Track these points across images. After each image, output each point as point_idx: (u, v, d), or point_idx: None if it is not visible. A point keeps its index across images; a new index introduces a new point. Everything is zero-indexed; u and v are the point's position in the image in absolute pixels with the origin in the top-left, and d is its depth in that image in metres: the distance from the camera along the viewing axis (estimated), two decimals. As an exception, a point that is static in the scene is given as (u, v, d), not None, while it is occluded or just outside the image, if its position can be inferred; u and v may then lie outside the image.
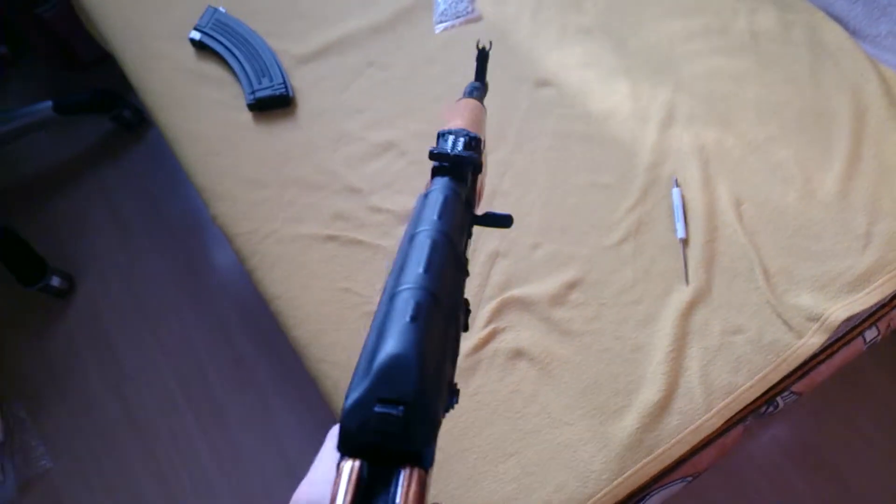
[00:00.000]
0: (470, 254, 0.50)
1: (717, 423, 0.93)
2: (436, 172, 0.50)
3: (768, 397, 0.98)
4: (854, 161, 1.11)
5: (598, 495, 0.89)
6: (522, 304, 1.03)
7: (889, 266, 1.01)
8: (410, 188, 1.14)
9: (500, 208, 0.55)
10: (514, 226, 0.52)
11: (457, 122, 0.57)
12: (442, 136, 0.52)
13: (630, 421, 0.92)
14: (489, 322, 1.02)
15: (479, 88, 0.69)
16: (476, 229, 0.51)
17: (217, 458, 1.57)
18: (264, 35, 1.29)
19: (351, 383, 0.31)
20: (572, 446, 0.92)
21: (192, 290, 1.78)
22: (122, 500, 1.55)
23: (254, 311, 1.69)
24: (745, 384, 0.94)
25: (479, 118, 0.60)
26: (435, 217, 0.43)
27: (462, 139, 0.51)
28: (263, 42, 1.28)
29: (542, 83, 1.24)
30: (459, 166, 0.49)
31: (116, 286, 1.79)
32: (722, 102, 1.19)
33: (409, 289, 0.35)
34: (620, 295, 1.03)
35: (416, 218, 0.44)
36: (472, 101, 0.63)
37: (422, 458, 0.29)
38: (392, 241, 1.09)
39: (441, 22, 1.31)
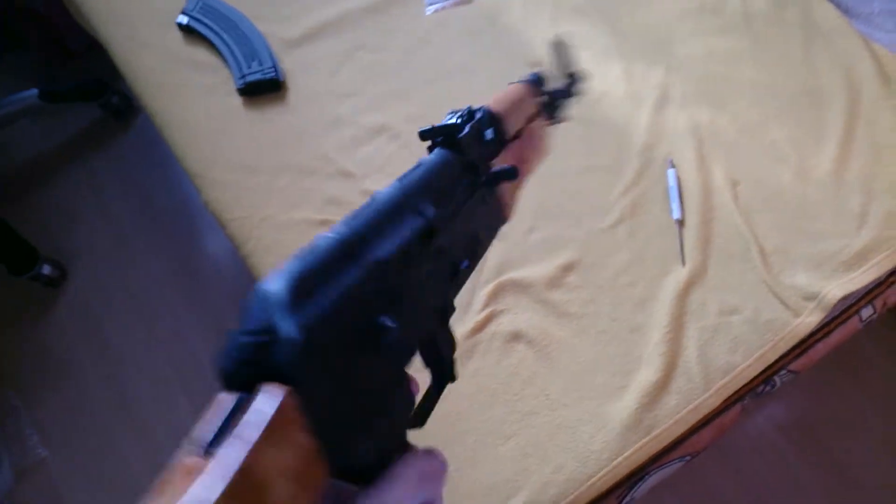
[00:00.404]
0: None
1: (716, 402, 0.93)
2: (431, 148, 0.49)
3: (766, 376, 0.98)
4: (848, 140, 1.11)
5: (598, 475, 0.89)
6: (519, 286, 1.03)
7: (885, 244, 1.01)
8: (403, 172, 1.13)
9: None
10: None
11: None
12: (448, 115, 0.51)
13: (628, 401, 0.92)
14: (486, 305, 1.01)
15: (538, 77, 0.67)
16: None
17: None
18: (253, 18, 1.28)
19: None
20: (571, 427, 0.92)
21: (185, 277, 1.77)
22: (117, 488, 1.55)
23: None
24: (743, 363, 0.94)
25: (510, 98, 0.58)
26: (397, 182, 0.42)
27: (459, 113, 0.50)
28: (252, 25, 1.26)
29: (536, 65, 1.22)
30: (448, 136, 0.48)
31: (108, 274, 1.78)
32: (716, 83, 1.19)
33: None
34: (617, 277, 1.03)
35: None
36: (515, 85, 0.61)
37: (286, 378, 0.28)
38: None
39: (432, 4, 1.30)
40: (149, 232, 1.83)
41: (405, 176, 0.43)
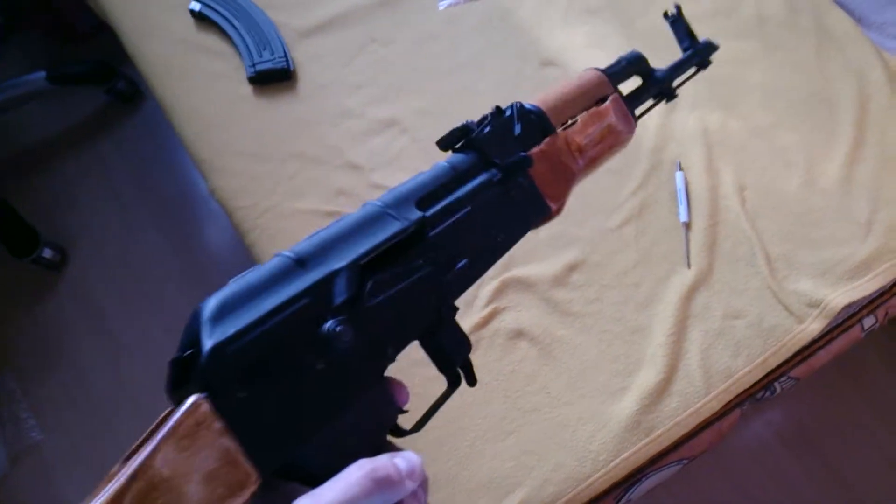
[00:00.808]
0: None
1: (716, 406, 0.93)
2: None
3: (766, 382, 0.98)
4: (857, 148, 1.11)
5: (597, 475, 0.89)
6: (523, 284, 1.03)
7: (890, 254, 1.01)
8: (412, 166, 1.13)
9: None
10: None
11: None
12: None
13: (629, 402, 0.92)
14: (490, 301, 1.01)
15: (628, 62, 0.66)
16: None
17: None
18: (265, 7, 1.27)
19: None
20: (571, 426, 0.92)
21: (187, 263, 1.77)
22: (112, 474, 1.55)
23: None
24: (745, 368, 0.94)
25: (569, 92, 0.57)
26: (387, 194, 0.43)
27: (489, 114, 0.50)
28: (264, 14, 1.26)
29: (547, 63, 1.23)
30: (469, 141, 0.49)
31: (110, 258, 1.78)
32: (727, 86, 1.19)
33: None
34: (621, 277, 1.02)
35: None
36: (586, 73, 0.60)
37: (202, 386, 0.30)
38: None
39: (445, -2, 1.30)
40: (152, 218, 1.83)
41: (393, 188, 0.44)
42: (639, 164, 1.11)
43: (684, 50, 0.74)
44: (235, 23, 1.23)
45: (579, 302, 1.01)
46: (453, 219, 0.44)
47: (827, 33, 1.23)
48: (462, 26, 1.27)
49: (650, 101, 0.68)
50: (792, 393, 1.09)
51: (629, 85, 0.67)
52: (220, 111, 1.19)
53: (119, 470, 0.28)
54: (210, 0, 1.26)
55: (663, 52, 1.22)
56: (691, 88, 1.17)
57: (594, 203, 1.09)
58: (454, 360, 0.45)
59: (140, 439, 0.29)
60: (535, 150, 0.51)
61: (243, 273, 0.35)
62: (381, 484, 0.32)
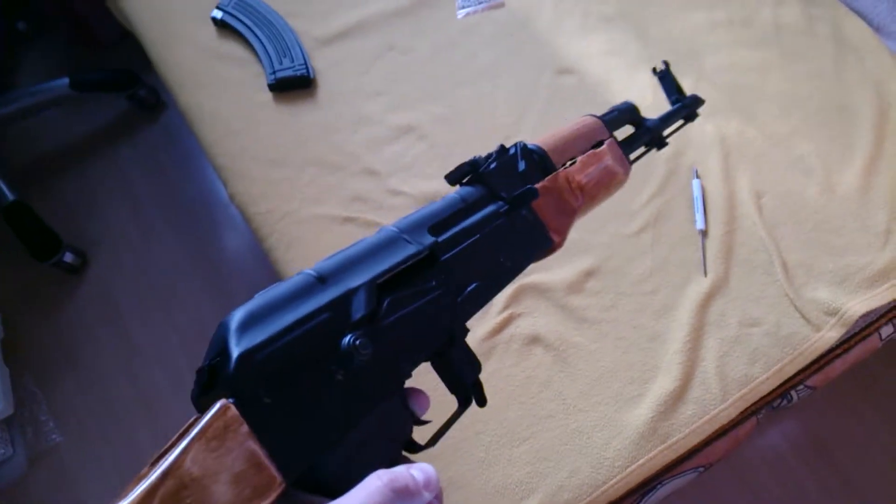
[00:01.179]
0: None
1: (732, 413, 0.93)
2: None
3: (783, 390, 0.98)
4: (875, 157, 1.11)
5: (612, 482, 0.89)
6: (539, 290, 1.03)
7: (909, 263, 1.01)
8: (429, 172, 1.14)
9: None
10: None
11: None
12: None
13: (645, 409, 0.92)
14: (506, 307, 1.02)
15: (620, 112, 0.69)
16: None
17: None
18: (286, 16, 1.29)
19: None
20: (586, 432, 0.92)
21: (205, 268, 1.78)
22: (130, 476, 1.55)
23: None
24: (761, 376, 0.94)
25: (568, 135, 0.60)
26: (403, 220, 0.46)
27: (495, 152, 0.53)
28: (285, 22, 1.28)
29: (564, 71, 1.24)
30: (476, 176, 0.52)
31: (129, 263, 1.80)
32: (744, 94, 1.19)
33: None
34: (638, 284, 1.03)
35: None
36: (583, 119, 0.64)
37: (229, 391, 0.32)
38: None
39: (463, 7, 1.31)
40: (171, 224, 1.85)
41: (407, 216, 0.46)
42: (656, 171, 1.12)
43: (672, 103, 0.77)
44: (257, 31, 1.25)
45: (595, 309, 1.01)
46: (463, 245, 0.46)
47: (845, 42, 1.23)
48: (480, 35, 1.28)
49: (642, 149, 0.72)
50: (807, 404, 1.08)
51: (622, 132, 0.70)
52: (240, 117, 1.21)
53: (147, 472, 0.29)
54: (232, 9, 1.28)
55: (680, 63, 1.23)
56: (709, 96, 1.18)
57: (610, 210, 1.09)
58: (465, 381, 0.46)
59: (168, 443, 0.30)
60: (538, 185, 0.54)
61: (268, 287, 0.37)
62: (401, 494, 0.33)
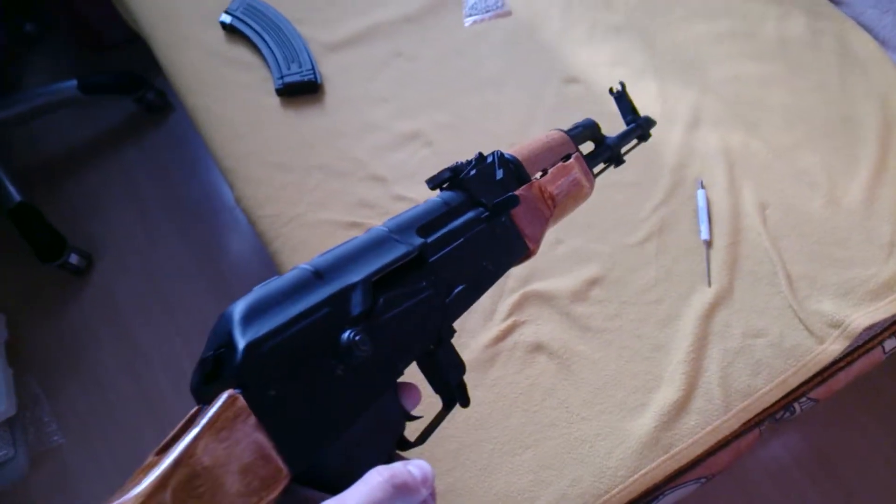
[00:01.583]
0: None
1: (735, 424, 0.93)
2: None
3: (786, 402, 0.98)
4: (880, 170, 1.11)
5: (614, 491, 0.89)
6: (543, 298, 1.03)
7: (913, 276, 1.01)
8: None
9: None
10: None
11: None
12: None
13: (648, 419, 0.92)
14: (509, 314, 1.02)
15: (584, 128, 0.71)
16: None
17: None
18: (294, 21, 1.30)
19: None
20: (589, 441, 0.92)
21: (210, 271, 1.79)
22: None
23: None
24: (765, 387, 0.94)
25: (539, 147, 0.62)
26: (386, 221, 0.46)
27: (472, 159, 0.55)
28: (293, 28, 1.28)
29: (571, 80, 1.24)
30: (455, 182, 0.53)
31: (134, 266, 1.80)
32: (749, 106, 1.19)
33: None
34: (642, 294, 1.03)
35: None
36: (552, 133, 0.66)
37: (236, 381, 0.31)
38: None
39: (470, 15, 1.32)
40: (176, 226, 1.86)
41: (394, 217, 0.47)
42: (661, 181, 1.12)
43: (627, 123, 0.79)
44: (265, 36, 1.26)
45: (599, 317, 1.01)
46: (450, 248, 0.48)
47: (850, 55, 1.24)
48: (487, 43, 1.29)
49: (602, 165, 0.74)
50: (810, 417, 1.08)
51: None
52: (247, 121, 1.21)
53: (155, 461, 0.28)
54: (241, 13, 1.28)
55: (686, 74, 1.23)
56: (714, 107, 1.19)
57: (615, 219, 1.09)
58: (450, 381, 0.47)
59: (172, 433, 0.30)
60: (517, 192, 0.55)
61: (266, 281, 0.37)
62: (401, 490, 0.33)
